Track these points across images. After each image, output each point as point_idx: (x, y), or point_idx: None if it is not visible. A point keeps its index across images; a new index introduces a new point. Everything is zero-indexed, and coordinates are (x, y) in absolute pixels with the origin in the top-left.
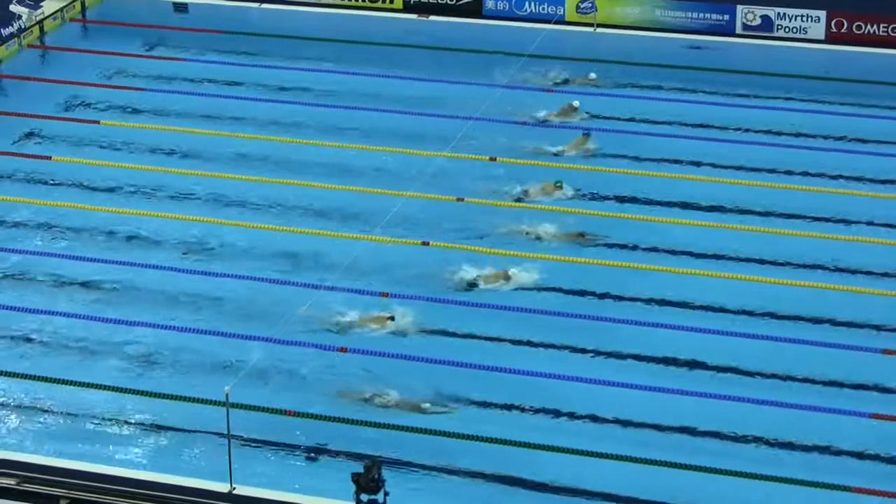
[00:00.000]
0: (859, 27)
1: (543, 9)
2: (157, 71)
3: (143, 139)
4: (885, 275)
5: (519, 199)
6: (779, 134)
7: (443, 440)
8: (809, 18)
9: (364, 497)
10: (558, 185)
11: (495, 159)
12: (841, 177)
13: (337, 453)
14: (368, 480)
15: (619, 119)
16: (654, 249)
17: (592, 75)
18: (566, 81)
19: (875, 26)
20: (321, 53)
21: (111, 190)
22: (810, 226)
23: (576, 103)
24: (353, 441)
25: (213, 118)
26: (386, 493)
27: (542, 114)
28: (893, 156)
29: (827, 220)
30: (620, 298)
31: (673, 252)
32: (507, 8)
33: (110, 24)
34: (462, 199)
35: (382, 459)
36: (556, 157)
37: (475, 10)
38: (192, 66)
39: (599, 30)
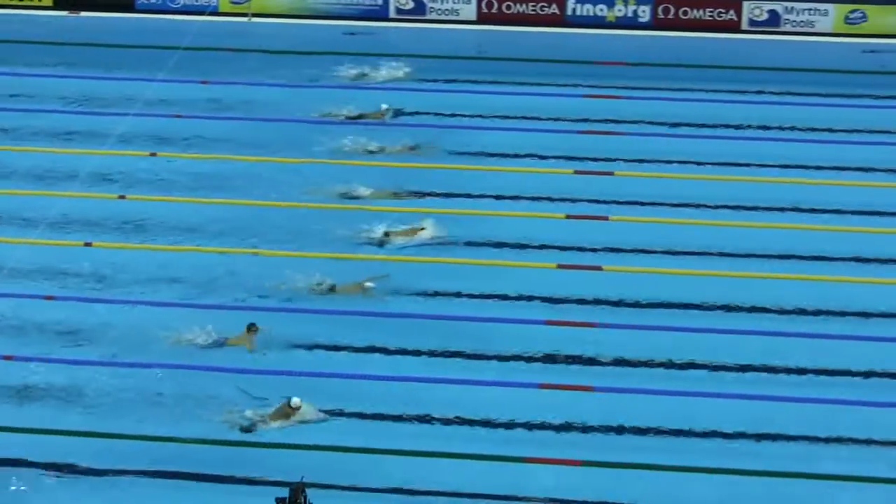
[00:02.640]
0: (509, 7)
1: (197, 0)
2: None
3: None
4: (543, 247)
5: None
6: (439, 115)
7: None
8: (461, 0)
9: None
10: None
11: (156, 154)
12: (500, 154)
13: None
14: None
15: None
16: None
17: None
18: (364, 75)
19: (524, 6)
20: None
21: None
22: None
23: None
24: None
25: None
26: None
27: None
28: (547, 132)
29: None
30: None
31: None
32: (161, 1)
33: None
34: (124, 197)
35: (306, 483)
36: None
37: (128, 4)
38: None
39: (255, 19)
